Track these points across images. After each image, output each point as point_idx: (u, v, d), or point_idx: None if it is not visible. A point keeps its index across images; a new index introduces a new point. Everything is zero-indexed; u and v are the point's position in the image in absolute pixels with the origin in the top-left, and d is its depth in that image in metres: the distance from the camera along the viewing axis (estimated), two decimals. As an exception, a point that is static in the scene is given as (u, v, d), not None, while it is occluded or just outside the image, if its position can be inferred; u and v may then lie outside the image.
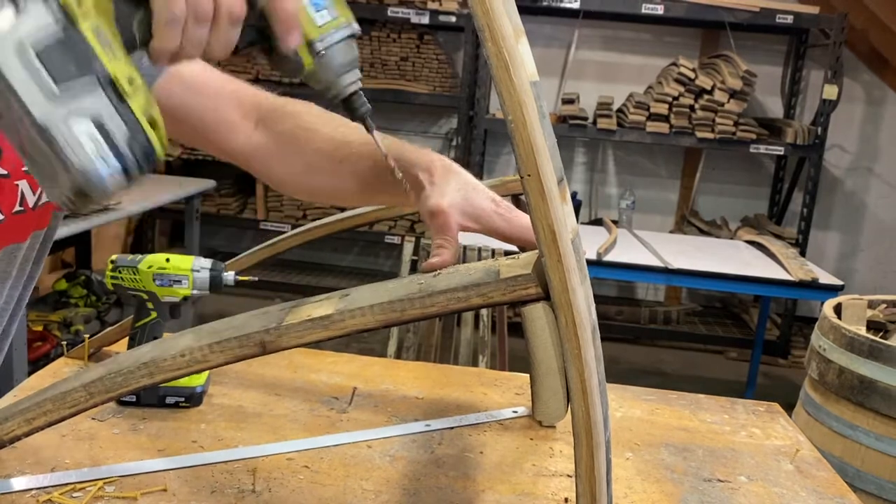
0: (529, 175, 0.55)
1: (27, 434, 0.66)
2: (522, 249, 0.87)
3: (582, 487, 0.59)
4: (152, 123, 0.53)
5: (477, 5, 0.52)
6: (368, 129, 0.64)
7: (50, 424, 0.66)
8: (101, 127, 0.50)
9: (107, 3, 0.51)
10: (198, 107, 0.96)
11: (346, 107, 0.63)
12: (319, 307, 0.63)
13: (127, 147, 0.51)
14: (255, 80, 4.40)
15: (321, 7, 0.58)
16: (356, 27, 0.60)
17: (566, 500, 0.89)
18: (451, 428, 1.05)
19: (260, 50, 0.59)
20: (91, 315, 3.44)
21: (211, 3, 0.53)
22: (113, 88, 0.51)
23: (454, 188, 0.84)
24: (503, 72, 0.53)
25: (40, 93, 0.48)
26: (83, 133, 0.49)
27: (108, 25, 0.51)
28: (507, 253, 1.08)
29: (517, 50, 0.53)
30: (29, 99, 0.48)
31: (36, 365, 2.70)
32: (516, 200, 0.96)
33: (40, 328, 3.25)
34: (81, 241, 3.75)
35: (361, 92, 0.62)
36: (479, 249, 2.33)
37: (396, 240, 4.51)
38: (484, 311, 2.26)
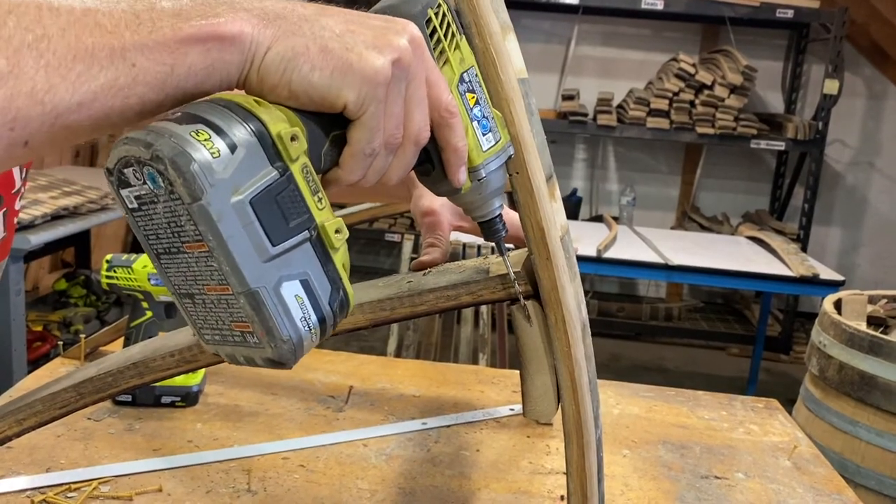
0: (518, 172, 0.55)
1: (18, 435, 0.66)
2: (517, 247, 0.87)
3: (573, 486, 0.59)
4: (346, 271, 0.48)
5: (463, 1, 0.52)
6: (500, 252, 0.62)
7: (41, 425, 0.66)
8: (307, 288, 0.45)
9: (303, 135, 0.45)
10: None
11: (484, 227, 0.59)
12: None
13: (328, 305, 0.46)
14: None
15: (487, 130, 0.54)
16: (511, 150, 0.56)
17: (562, 497, 0.89)
18: (448, 426, 1.05)
19: (418, 168, 0.54)
20: (91, 315, 3.44)
21: (402, 132, 0.48)
22: (321, 244, 0.45)
23: None
24: (490, 68, 0.53)
25: (255, 254, 0.42)
26: (292, 298, 0.44)
27: (310, 163, 0.45)
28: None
29: (504, 46, 0.53)
30: (243, 261, 0.42)
31: (36, 365, 2.71)
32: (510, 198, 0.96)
33: (40, 328, 3.25)
34: (81, 241, 3.75)
35: (501, 215, 0.59)
36: (479, 247, 2.33)
37: (396, 237, 4.51)
38: (484, 309, 2.26)
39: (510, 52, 0.54)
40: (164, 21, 0.41)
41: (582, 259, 3.02)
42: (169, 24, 0.41)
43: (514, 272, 0.60)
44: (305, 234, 0.44)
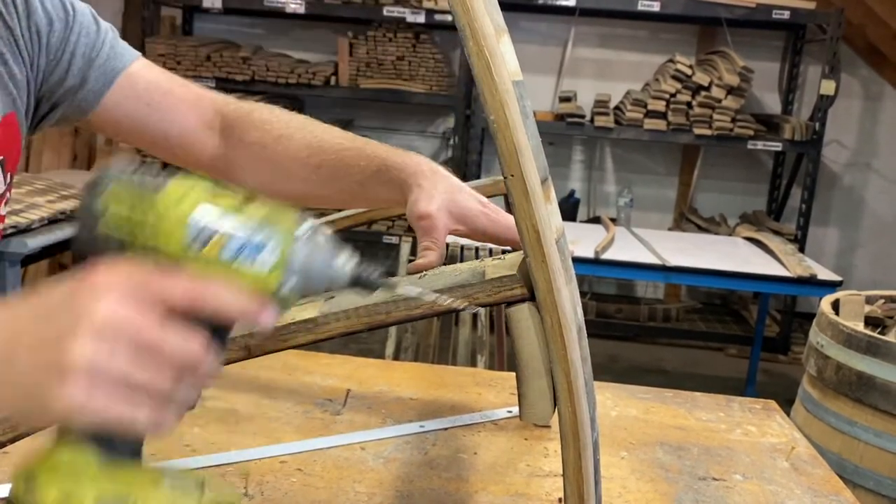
0: (513, 175, 0.55)
1: (11, 441, 0.66)
2: (514, 250, 0.87)
3: (570, 489, 0.59)
4: None
5: (457, 4, 0.52)
6: (389, 287, 0.53)
7: (34, 431, 0.66)
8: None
9: None
10: (157, 122, 0.93)
11: (355, 286, 0.51)
12: (303, 310, 0.63)
13: None
14: (252, 80, 4.27)
15: (258, 249, 0.46)
16: (302, 230, 0.48)
17: (560, 500, 0.89)
18: (445, 429, 1.05)
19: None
20: (89, 318, 3.43)
21: (157, 389, 0.45)
22: None
23: (441, 191, 0.85)
24: (484, 71, 0.53)
25: None
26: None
27: None
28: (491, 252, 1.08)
29: (498, 49, 0.53)
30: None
31: (34, 369, 2.69)
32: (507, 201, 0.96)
33: (38, 332, 3.23)
34: (79, 245, 3.74)
35: (362, 264, 0.51)
36: (476, 249, 2.33)
37: (395, 240, 4.50)
38: (482, 310, 2.26)
39: (504, 54, 0.54)
40: None
41: (580, 260, 3.01)
42: None
43: (508, 275, 0.60)
44: None
